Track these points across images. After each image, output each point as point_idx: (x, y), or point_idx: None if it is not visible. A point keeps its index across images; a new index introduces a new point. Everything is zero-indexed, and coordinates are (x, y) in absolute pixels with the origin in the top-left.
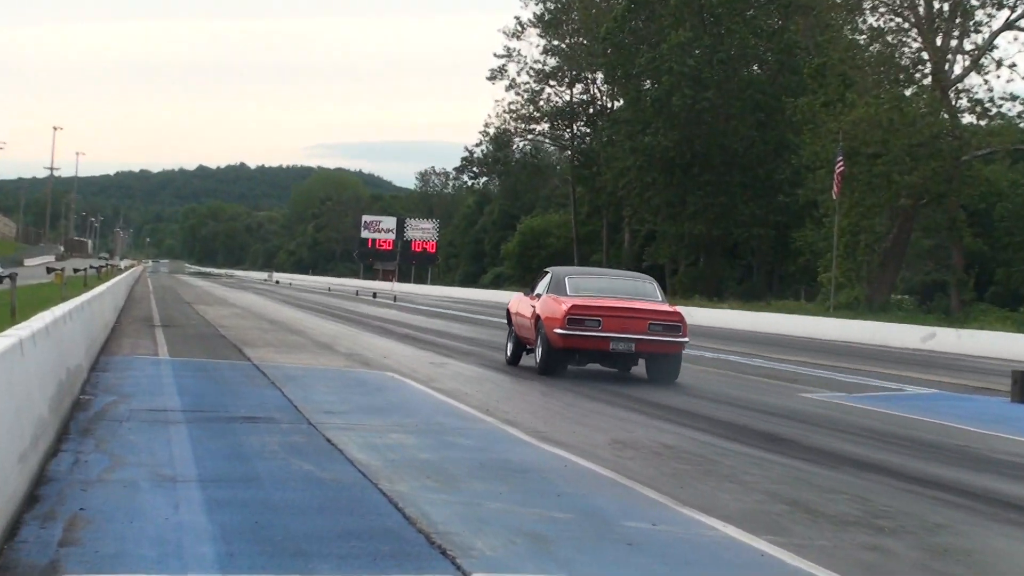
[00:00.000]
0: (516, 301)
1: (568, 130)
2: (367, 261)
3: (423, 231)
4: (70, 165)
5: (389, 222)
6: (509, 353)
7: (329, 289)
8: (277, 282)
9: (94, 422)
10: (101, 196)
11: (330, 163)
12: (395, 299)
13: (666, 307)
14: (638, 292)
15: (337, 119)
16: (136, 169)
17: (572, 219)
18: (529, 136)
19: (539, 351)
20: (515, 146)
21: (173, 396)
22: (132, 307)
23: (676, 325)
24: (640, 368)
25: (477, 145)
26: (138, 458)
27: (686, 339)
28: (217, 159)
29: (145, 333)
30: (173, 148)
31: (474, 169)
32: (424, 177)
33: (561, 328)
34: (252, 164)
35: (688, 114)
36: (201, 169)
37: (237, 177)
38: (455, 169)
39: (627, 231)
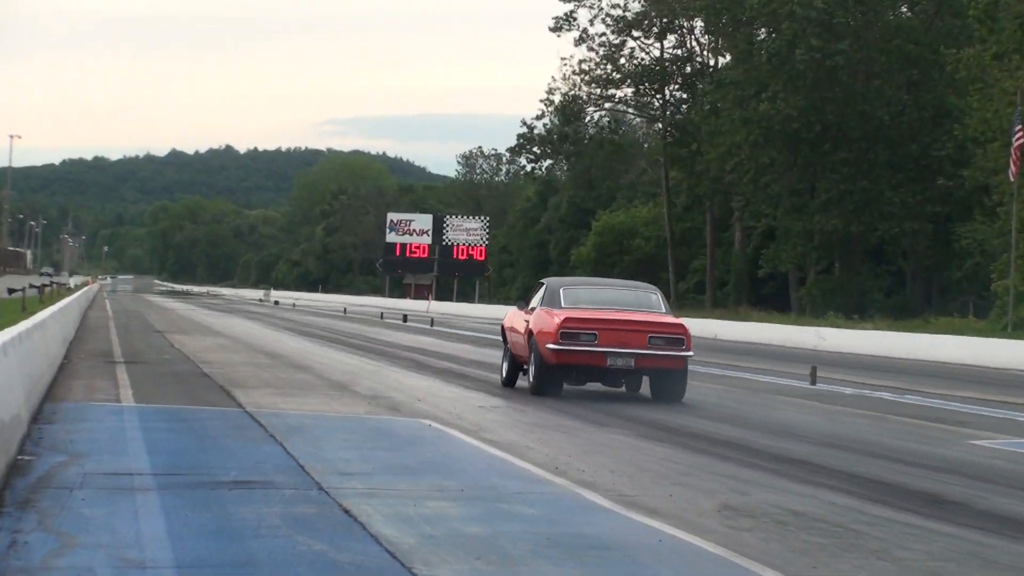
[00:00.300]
0: (511, 316)
1: (658, 96)
2: (394, 273)
3: (468, 233)
4: (2, 152)
5: (423, 221)
6: (504, 374)
7: (345, 311)
8: (276, 302)
9: (37, 490)
10: (44, 192)
11: (344, 144)
12: (432, 323)
13: (669, 318)
14: (640, 303)
15: (353, 88)
16: (88, 157)
17: (665, 213)
18: (607, 105)
19: (532, 369)
20: (588, 118)
21: (140, 455)
22: (86, 338)
23: (679, 338)
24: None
25: (538, 118)
26: (95, 537)
27: (690, 353)
28: (195, 142)
29: (103, 372)
30: (137, 129)
31: (535, 150)
32: (468, 161)
33: (554, 343)
34: (241, 148)
35: (816, 72)
36: (175, 155)
37: (222, 165)
38: (509, 150)
39: (738, 228)
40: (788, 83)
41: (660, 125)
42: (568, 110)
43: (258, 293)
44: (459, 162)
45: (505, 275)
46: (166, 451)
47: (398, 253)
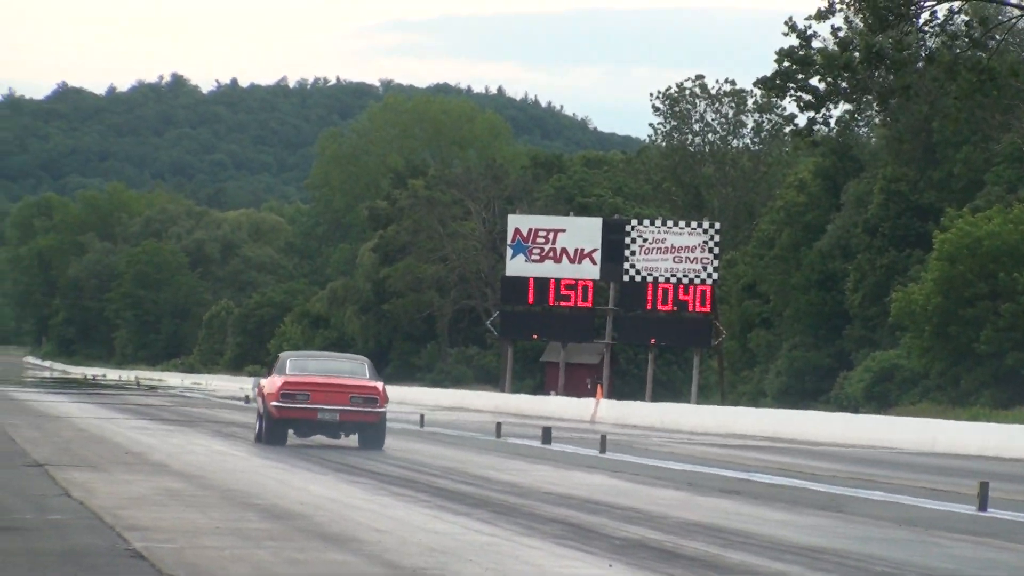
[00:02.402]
0: (260, 383)
1: None
2: (523, 339)
3: (678, 256)
4: None
5: (583, 231)
6: (256, 430)
7: (422, 421)
8: None
9: None
10: None
11: (419, 74)
12: (603, 445)
13: (367, 382)
14: (348, 371)
15: None
16: None
17: None
18: None
19: (263, 423)
20: (926, 18)
21: None
22: None
23: (373, 397)
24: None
25: (821, 16)
26: None
27: (383, 410)
28: (111, 72)
29: None
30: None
31: (812, 82)
32: (673, 109)
33: (277, 401)
34: (204, 82)
35: None
36: (68, 98)
37: (166, 117)
38: (761, 84)
39: None
40: None
41: None
42: (884, 1)
43: (243, 383)
44: (655, 110)
45: (755, 341)
46: None
47: (532, 299)
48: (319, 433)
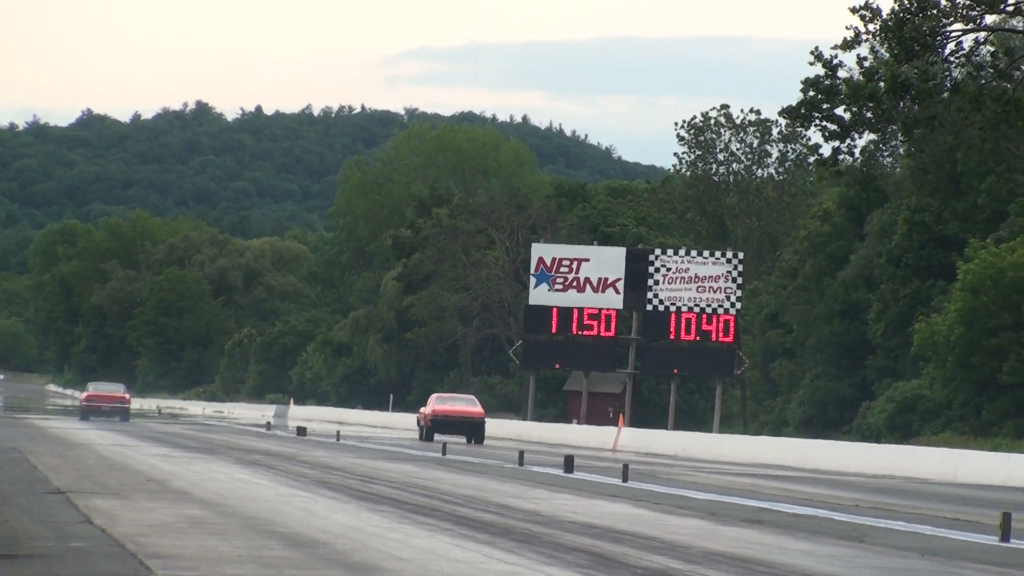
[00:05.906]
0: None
1: None
2: (545, 368)
3: (701, 286)
4: None
5: (606, 260)
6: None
7: (444, 449)
8: (301, 431)
9: None
10: None
11: (443, 102)
12: (625, 474)
13: (123, 394)
14: (115, 389)
15: None
16: None
17: None
18: (990, 19)
19: (80, 412)
20: (951, 48)
21: None
22: None
23: (125, 400)
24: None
25: (846, 46)
26: None
27: (128, 406)
28: (135, 98)
29: None
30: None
31: (838, 112)
32: (698, 138)
33: (84, 402)
34: (228, 109)
35: None
36: (92, 125)
37: (190, 146)
38: (786, 114)
39: None
40: None
41: None
42: (910, 31)
43: (265, 411)
44: (680, 139)
45: (778, 371)
46: None
47: (555, 328)
48: (105, 416)
